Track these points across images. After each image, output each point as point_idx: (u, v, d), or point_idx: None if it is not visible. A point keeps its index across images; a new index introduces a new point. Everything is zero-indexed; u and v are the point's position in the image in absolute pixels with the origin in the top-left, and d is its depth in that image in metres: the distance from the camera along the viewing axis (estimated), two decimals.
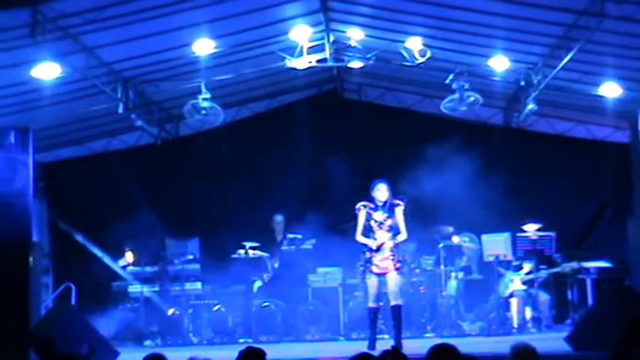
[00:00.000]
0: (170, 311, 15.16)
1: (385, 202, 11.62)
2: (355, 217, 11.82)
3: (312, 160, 16.38)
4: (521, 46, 13.73)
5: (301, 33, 13.97)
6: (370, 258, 11.58)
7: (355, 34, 14.31)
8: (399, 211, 11.64)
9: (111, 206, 16.67)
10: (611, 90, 14.30)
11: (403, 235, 11.68)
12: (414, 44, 13.93)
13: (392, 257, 11.54)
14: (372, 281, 11.63)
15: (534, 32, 13.09)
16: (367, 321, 12.01)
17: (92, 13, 11.80)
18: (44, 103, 14.69)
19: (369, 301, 11.79)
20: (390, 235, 11.59)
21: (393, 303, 11.59)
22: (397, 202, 11.69)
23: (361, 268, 11.89)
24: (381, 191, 11.62)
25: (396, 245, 11.66)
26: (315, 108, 17.41)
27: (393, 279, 11.53)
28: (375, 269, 11.53)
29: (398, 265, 11.59)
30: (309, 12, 13.86)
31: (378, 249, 11.55)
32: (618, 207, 16.15)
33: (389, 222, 11.60)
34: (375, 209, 11.64)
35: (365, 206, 11.66)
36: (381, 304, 13.26)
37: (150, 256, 16.03)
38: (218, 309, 15.13)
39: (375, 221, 11.60)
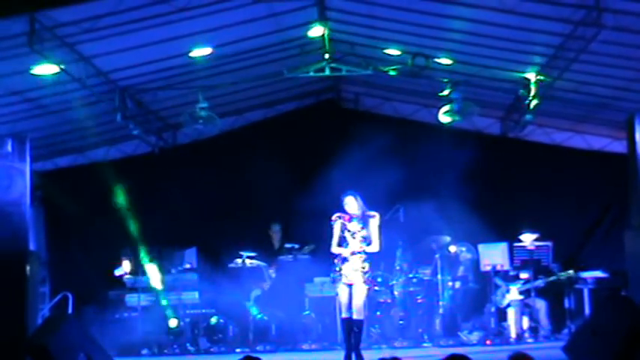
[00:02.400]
0: (174, 322, 15.12)
1: (361, 214, 11.58)
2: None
3: (309, 169, 16.34)
4: (519, 56, 13.75)
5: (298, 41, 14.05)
6: (340, 267, 11.47)
7: (353, 43, 14.38)
8: (374, 223, 11.58)
9: (108, 215, 16.63)
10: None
11: (374, 247, 11.58)
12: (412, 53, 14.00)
13: (361, 269, 11.44)
14: (342, 291, 11.51)
15: (532, 42, 13.11)
16: (342, 333, 11.86)
17: (89, 22, 11.81)
18: (42, 112, 14.72)
19: (343, 311, 11.62)
20: (362, 246, 11.50)
21: (355, 317, 11.40)
22: (372, 213, 11.63)
23: (333, 277, 11.70)
24: (349, 204, 11.61)
25: (367, 259, 11.53)
26: (313, 117, 17.42)
27: (359, 292, 11.40)
28: (344, 279, 11.43)
29: (364, 278, 11.43)
30: (306, 21, 13.90)
31: (347, 259, 11.45)
32: (615, 217, 16.15)
33: (363, 233, 11.52)
34: (350, 220, 11.58)
35: (340, 217, 11.60)
36: (377, 313, 13.26)
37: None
38: (217, 320, 15.12)
39: (349, 231, 11.54)
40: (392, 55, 14.37)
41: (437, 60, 14.22)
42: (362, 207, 11.61)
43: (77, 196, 17.10)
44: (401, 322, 14.81)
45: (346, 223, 11.57)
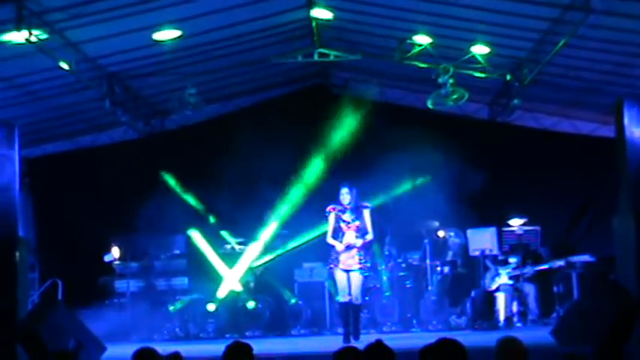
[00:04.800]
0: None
1: (354, 205, 12.17)
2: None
3: (297, 154, 16.32)
4: (507, 40, 13.75)
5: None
6: (337, 255, 12.12)
7: (341, 28, 14.36)
8: (367, 213, 12.23)
9: (96, 201, 16.62)
10: None
11: (370, 236, 12.22)
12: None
13: (357, 257, 12.08)
14: (339, 276, 12.16)
15: (520, 27, 13.11)
16: (341, 317, 12.65)
17: (77, 8, 11.78)
18: (30, 98, 14.68)
19: (339, 295, 12.27)
20: (356, 235, 12.10)
21: (353, 302, 12.12)
22: (365, 204, 12.30)
23: (330, 265, 12.34)
24: (343, 195, 12.20)
25: (364, 247, 12.20)
26: (301, 103, 17.38)
27: (356, 279, 12.08)
28: (340, 265, 12.08)
29: (360, 265, 12.08)
30: (295, 6, 13.88)
31: (347, 248, 12.06)
32: (603, 202, 16.16)
33: (356, 223, 12.16)
34: (344, 211, 12.22)
35: (334, 209, 12.26)
36: (366, 298, 13.37)
37: (136, 252, 16.02)
38: (212, 307, 15.11)
39: (344, 222, 12.18)
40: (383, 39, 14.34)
41: (422, 42, 14.18)
42: (355, 199, 12.17)
43: (66, 183, 17.09)
44: (384, 301, 14.87)
45: (340, 214, 12.18)
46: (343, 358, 5.95)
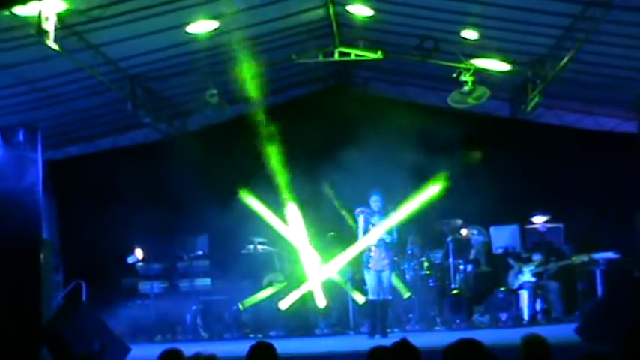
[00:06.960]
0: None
1: (382, 209, 13.27)
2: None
3: (319, 153, 16.29)
4: (528, 37, 13.70)
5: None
6: (369, 257, 13.23)
7: (361, 27, 14.36)
8: (392, 216, 13.23)
9: (119, 203, 16.67)
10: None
11: (394, 236, 13.31)
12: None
13: (387, 259, 13.19)
14: (370, 277, 13.23)
15: (541, 24, 13.06)
16: (369, 314, 13.68)
17: (97, 10, 11.82)
18: (52, 101, 14.75)
19: (369, 294, 13.35)
20: (384, 237, 13.18)
21: (382, 297, 13.18)
22: (389, 207, 13.32)
23: (368, 265, 13.30)
24: (375, 201, 13.32)
25: (391, 248, 13.29)
26: (322, 102, 17.36)
27: (387, 276, 13.21)
28: (372, 266, 13.18)
29: (390, 265, 13.22)
30: (315, 6, 13.88)
31: (372, 251, 13.18)
32: (627, 198, 16.11)
33: (384, 227, 13.17)
34: (372, 214, 13.33)
35: (363, 212, 13.40)
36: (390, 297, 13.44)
37: (159, 253, 16.07)
38: (236, 307, 15.08)
39: (373, 225, 13.28)
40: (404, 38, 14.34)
41: (448, 43, 14.17)
42: (382, 204, 13.25)
43: (88, 185, 17.16)
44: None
45: (368, 216, 13.32)
46: (377, 356, 5.99)
